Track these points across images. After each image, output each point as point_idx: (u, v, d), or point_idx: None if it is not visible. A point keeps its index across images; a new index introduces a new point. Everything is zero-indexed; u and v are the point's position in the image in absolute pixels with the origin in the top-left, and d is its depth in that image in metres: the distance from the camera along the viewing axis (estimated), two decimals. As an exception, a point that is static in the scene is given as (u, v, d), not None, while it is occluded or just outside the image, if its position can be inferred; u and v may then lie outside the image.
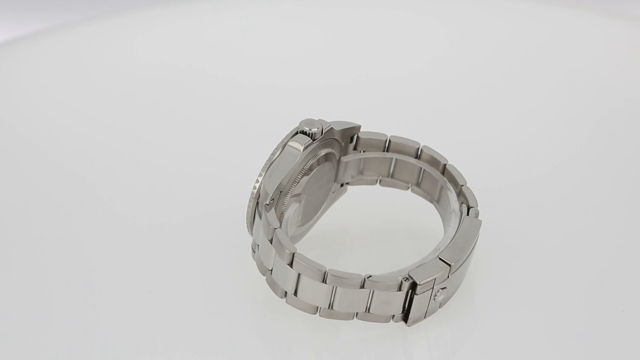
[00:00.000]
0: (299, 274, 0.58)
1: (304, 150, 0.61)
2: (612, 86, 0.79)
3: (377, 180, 0.68)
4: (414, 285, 0.58)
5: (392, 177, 0.67)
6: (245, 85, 0.80)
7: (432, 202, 0.66)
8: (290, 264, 0.58)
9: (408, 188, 0.67)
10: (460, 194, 0.63)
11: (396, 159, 0.66)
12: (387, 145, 0.66)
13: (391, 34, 0.85)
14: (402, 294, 0.58)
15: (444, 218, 0.65)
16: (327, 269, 0.58)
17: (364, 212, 0.69)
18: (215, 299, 0.63)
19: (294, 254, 0.58)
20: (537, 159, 0.73)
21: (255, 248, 0.62)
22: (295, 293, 0.59)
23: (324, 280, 0.58)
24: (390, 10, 0.86)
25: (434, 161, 0.65)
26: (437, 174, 0.65)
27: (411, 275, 0.58)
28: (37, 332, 0.60)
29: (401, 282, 0.58)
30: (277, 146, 0.62)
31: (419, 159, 0.65)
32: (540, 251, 0.65)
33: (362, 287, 0.57)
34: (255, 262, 0.62)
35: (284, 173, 0.60)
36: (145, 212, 0.68)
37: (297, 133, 0.62)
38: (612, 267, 0.64)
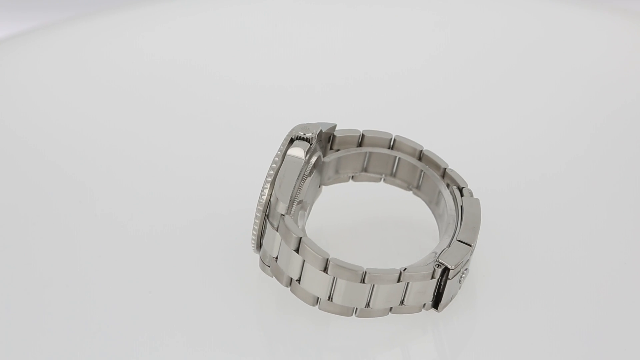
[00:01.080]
0: (334, 278, 0.58)
1: (305, 156, 0.61)
2: (615, 85, 0.80)
3: (350, 177, 0.68)
4: (444, 271, 0.59)
5: (365, 171, 0.68)
6: (245, 85, 0.80)
7: (410, 190, 0.67)
8: (325, 270, 0.58)
9: (380, 179, 0.68)
10: (444, 176, 0.65)
11: (369, 152, 0.67)
12: (360, 141, 0.66)
13: (388, 33, 0.85)
14: (435, 281, 0.59)
15: (430, 202, 0.66)
16: (365, 269, 0.58)
17: (334, 211, 0.69)
18: (220, 302, 0.62)
19: (327, 259, 0.58)
20: (538, 161, 0.74)
21: (267, 261, 0.61)
22: (330, 298, 0.59)
23: (362, 281, 0.58)
24: (386, 8, 0.86)
25: (409, 149, 0.66)
26: (414, 160, 0.66)
27: (442, 261, 0.59)
28: (38, 332, 0.59)
29: (434, 270, 0.59)
30: (277, 155, 0.61)
31: (392, 149, 0.67)
32: (542, 253, 0.66)
33: (399, 280, 0.58)
34: (264, 274, 0.61)
35: (293, 181, 0.60)
36: (145, 213, 0.68)
37: (292, 139, 0.62)
38: (614, 269, 0.65)
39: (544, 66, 0.82)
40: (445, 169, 0.65)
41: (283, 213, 0.59)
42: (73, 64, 0.81)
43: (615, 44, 0.85)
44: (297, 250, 0.58)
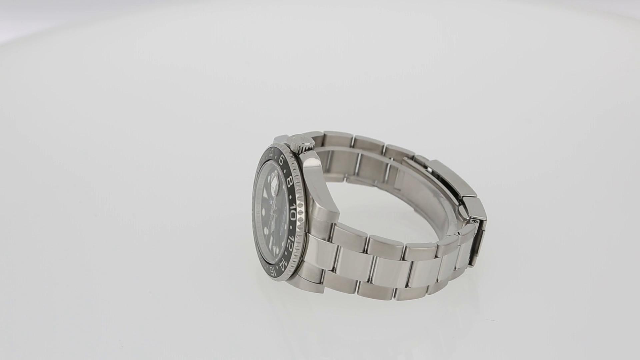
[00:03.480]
0: (412, 263, 0.58)
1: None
2: (612, 88, 0.81)
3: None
4: (480, 224, 0.62)
5: None
6: (245, 85, 0.79)
7: (344, 180, 0.68)
8: (403, 257, 0.57)
9: None
10: (385, 152, 0.67)
11: None
12: None
13: (388, 34, 0.84)
14: (473, 238, 0.62)
15: (376, 181, 0.67)
16: (436, 243, 0.58)
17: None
18: (223, 304, 0.60)
19: (404, 246, 0.57)
20: (537, 160, 0.74)
21: (317, 278, 0.58)
22: (408, 284, 0.58)
23: (436, 256, 0.58)
24: (385, 10, 0.85)
25: (339, 141, 0.67)
26: (347, 149, 0.67)
27: (475, 216, 0.62)
28: (37, 332, 0.58)
29: (475, 226, 0.62)
30: (288, 172, 0.58)
31: (323, 145, 0.67)
32: (543, 248, 0.66)
33: (459, 245, 0.60)
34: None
35: (327, 189, 0.58)
36: (145, 213, 0.67)
37: (296, 152, 0.59)
38: (615, 265, 0.66)
39: (542, 70, 0.84)
40: (383, 146, 0.67)
41: (335, 222, 0.56)
42: (74, 66, 0.82)
43: (613, 48, 0.88)
44: (365, 251, 0.56)
